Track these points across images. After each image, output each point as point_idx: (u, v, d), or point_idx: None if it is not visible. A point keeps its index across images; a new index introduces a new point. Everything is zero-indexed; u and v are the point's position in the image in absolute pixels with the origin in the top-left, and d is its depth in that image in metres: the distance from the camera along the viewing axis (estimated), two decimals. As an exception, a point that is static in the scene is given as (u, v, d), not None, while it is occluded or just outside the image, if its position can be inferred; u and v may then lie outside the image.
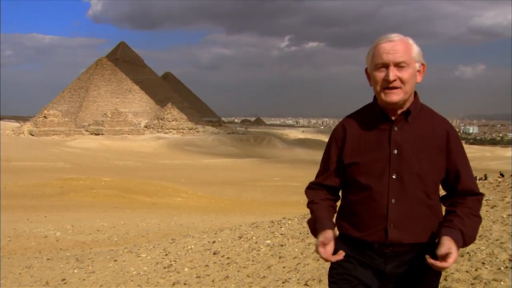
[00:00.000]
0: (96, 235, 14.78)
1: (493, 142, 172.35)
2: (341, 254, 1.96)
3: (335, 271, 2.08)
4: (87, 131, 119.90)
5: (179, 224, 18.34)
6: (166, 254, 6.82)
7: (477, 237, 4.70)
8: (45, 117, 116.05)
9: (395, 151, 1.97)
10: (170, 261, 6.29)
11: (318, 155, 1.69)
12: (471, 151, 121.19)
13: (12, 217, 19.39)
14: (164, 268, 6.04)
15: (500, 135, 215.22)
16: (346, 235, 2.08)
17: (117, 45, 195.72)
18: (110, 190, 34.17)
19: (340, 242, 2.07)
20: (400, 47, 1.96)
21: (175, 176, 51.20)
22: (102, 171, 55.02)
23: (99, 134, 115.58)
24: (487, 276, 3.44)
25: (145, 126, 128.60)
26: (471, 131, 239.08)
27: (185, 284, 5.12)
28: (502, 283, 3.25)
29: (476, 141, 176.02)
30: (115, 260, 7.02)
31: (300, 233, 6.30)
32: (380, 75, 1.96)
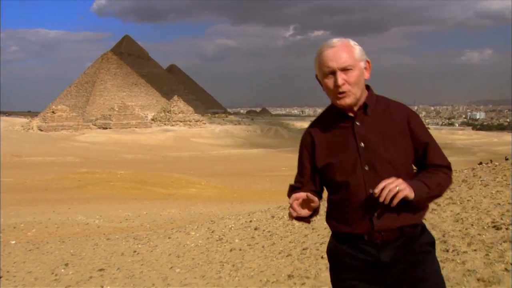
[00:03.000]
0: (128, 223, 16.00)
1: (500, 128, 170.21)
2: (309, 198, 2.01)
3: (333, 272, 2.19)
4: (95, 125, 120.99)
5: (199, 212, 19.40)
6: (212, 232, 8.08)
7: (470, 208, 5.91)
8: (53, 112, 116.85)
9: (362, 144, 2.06)
10: (219, 236, 7.56)
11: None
12: (477, 137, 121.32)
13: (39, 209, 20.60)
14: (217, 240, 7.30)
15: (508, 120, 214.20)
16: (338, 232, 2.16)
17: (121, 39, 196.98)
18: (127, 182, 35.31)
19: (335, 241, 2.18)
20: (343, 52, 2.04)
21: (184, 168, 52.17)
22: (112, 165, 56.18)
23: (106, 128, 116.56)
24: (474, 232, 4.71)
25: (152, 119, 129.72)
26: (478, 117, 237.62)
27: (240, 250, 6.41)
28: (483, 236, 4.51)
29: (483, 127, 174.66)
30: (169, 238, 8.29)
31: (325, 212, 7.56)
32: (329, 81, 2.05)
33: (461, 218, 5.33)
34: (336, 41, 2.06)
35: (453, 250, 4.32)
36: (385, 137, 2.05)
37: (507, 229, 4.56)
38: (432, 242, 2.13)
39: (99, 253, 7.53)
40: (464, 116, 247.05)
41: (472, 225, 4.97)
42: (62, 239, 10.39)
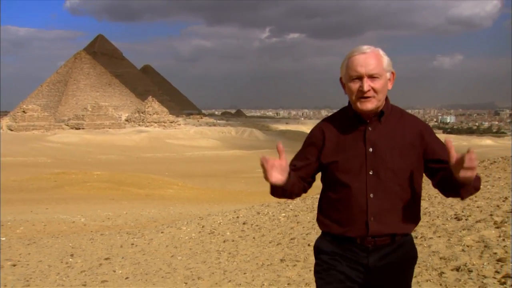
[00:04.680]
0: (111, 221, 16.30)
1: (469, 131, 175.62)
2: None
3: (320, 267, 2.19)
4: (67, 125, 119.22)
5: (178, 212, 19.71)
6: (202, 227, 8.66)
7: (436, 203, 6.72)
8: (24, 111, 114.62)
9: (370, 149, 2.10)
10: (211, 230, 8.15)
11: (299, 146, 2.25)
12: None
13: (16, 209, 20.51)
14: (209, 234, 7.89)
15: (476, 124, 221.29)
16: (329, 232, 2.18)
17: (95, 38, 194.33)
18: (103, 183, 35.17)
19: (323, 240, 2.22)
20: (372, 60, 2.07)
21: (158, 169, 52.09)
22: (86, 165, 55.59)
23: (79, 128, 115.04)
24: (439, 223, 5.48)
25: (126, 120, 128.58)
26: (448, 121, 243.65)
27: (233, 241, 7.04)
28: (446, 225, 5.29)
29: (453, 130, 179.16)
30: (162, 232, 8.83)
31: (307, 208, 8.26)
32: (355, 86, 2.08)
33: (429, 212, 6.12)
34: (367, 48, 2.11)
35: (421, 237, 5.08)
36: (394, 147, 2.11)
37: (466, 219, 5.36)
38: (415, 258, 2.24)
39: (98, 246, 8.03)
40: (435, 119, 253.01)
41: (438, 217, 5.76)
42: (53, 235, 10.77)
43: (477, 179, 2.00)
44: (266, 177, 2.02)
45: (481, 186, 2.11)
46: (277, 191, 2.11)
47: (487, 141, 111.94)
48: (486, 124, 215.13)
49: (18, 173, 42.76)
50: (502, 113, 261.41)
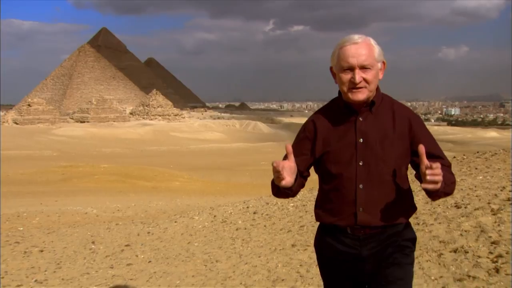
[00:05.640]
0: (121, 213, 16.73)
1: (474, 124, 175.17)
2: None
3: (322, 268, 2.30)
4: (72, 118, 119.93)
5: (186, 204, 20.08)
6: (214, 216, 9.07)
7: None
8: (29, 105, 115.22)
9: (361, 140, 2.11)
10: (222, 219, 8.56)
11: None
12: (453, 132, 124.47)
13: (26, 202, 20.97)
14: (221, 222, 8.29)
15: (481, 116, 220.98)
16: (323, 223, 2.25)
17: (98, 31, 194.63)
18: (111, 176, 35.70)
19: (320, 233, 2.29)
20: (364, 50, 2.06)
21: (163, 162, 52.47)
22: (91, 158, 56.01)
23: (84, 122, 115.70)
24: (440, 211, 5.85)
25: (131, 113, 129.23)
26: (453, 113, 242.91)
27: (245, 229, 7.44)
28: (447, 213, 5.66)
29: (458, 123, 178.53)
30: (175, 222, 9.23)
31: (315, 198, 8.64)
32: (346, 77, 2.08)
33: (430, 201, 6.49)
34: (358, 37, 2.09)
35: (422, 223, 5.46)
36: (384, 137, 2.11)
37: (465, 207, 5.73)
38: (413, 239, 2.21)
39: (116, 235, 8.45)
40: (439, 112, 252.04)
41: (439, 205, 6.13)
42: (69, 225, 11.19)
43: (449, 185, 2.01)
44: (278, 181, 2.04)
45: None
46: (283, 192, 2.13)
47: (492, 133, 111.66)
48: (491, 116, 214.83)
49: (24, 166, 43.35)
50: (507, 105, 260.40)
